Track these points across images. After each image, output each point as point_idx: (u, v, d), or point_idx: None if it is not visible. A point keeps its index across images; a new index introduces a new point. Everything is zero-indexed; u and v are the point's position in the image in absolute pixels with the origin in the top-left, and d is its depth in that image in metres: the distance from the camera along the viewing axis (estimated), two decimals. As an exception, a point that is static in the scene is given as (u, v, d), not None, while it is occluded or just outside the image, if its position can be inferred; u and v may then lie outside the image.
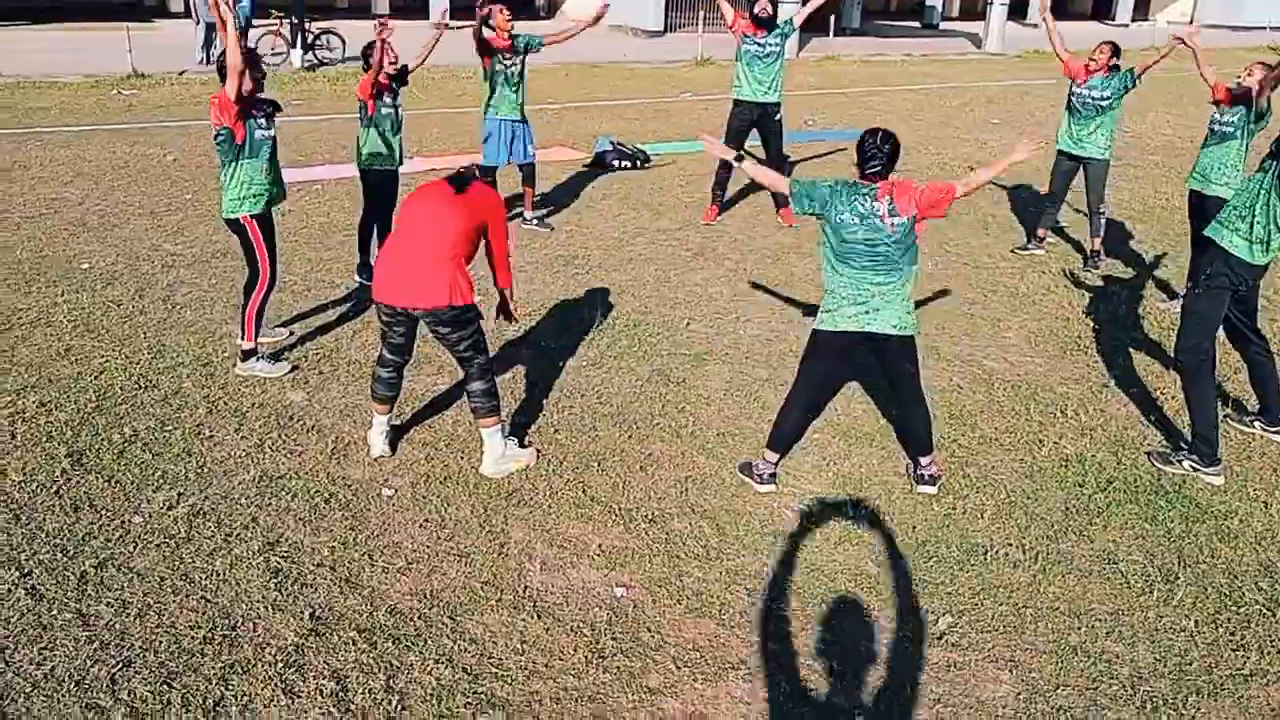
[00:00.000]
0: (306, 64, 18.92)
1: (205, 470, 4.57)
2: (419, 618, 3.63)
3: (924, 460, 4.72)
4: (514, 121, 8.43)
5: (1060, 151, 8.12)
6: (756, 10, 8.73)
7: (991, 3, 28.99)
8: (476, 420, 4.67)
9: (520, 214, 8.84)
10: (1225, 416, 5.49)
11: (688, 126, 14.24)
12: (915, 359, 4.59)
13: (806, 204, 4.41)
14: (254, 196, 5.50)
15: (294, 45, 18.68)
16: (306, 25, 18.99)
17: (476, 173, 4.68)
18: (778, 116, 9.07)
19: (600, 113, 15.41)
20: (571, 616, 3.71)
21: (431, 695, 3.27)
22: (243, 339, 5.61)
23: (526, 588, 3.85)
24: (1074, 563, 4.20)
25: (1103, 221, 8.17)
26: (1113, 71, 7.77)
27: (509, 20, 8.20)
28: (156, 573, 3.80)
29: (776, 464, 4.70)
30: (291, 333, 6.21)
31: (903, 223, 4.32)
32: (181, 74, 17.61)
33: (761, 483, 4.65)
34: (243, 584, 3.77)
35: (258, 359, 5.61)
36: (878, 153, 4.32)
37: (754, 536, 4.27)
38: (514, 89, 8.32)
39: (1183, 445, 5.06)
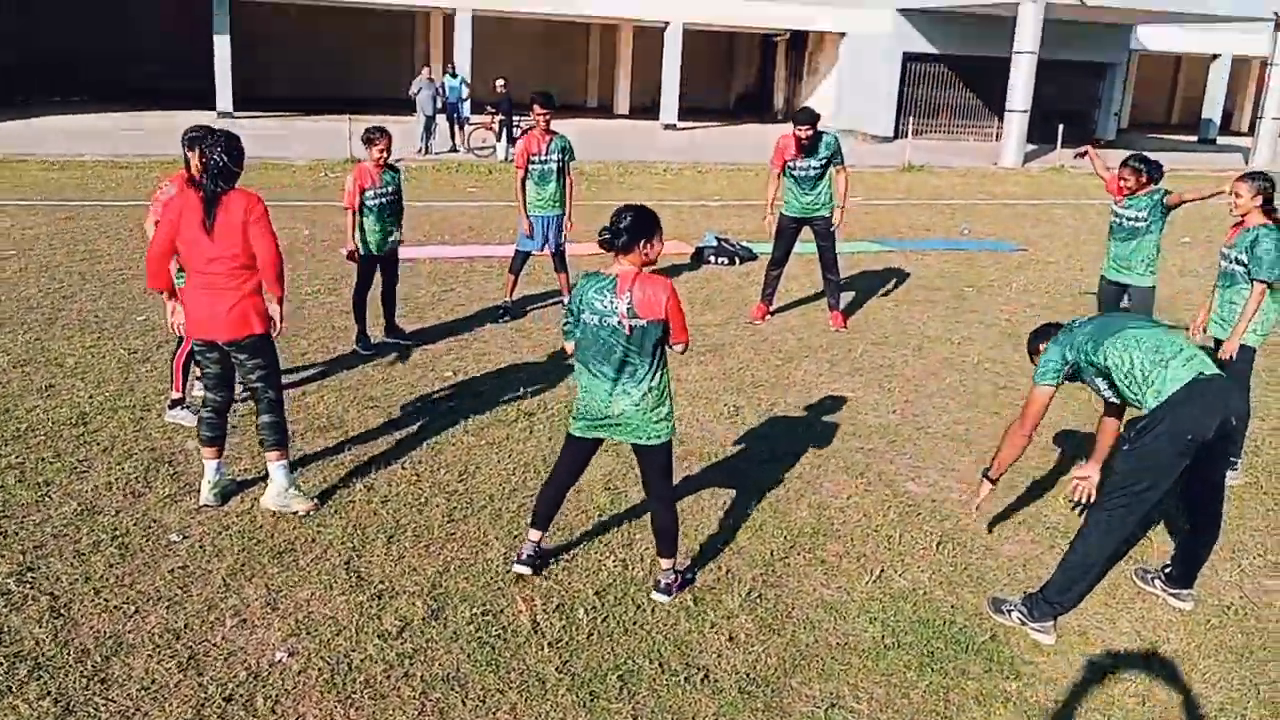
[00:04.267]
0: (512, 157, 20.19)
1: (44, 497, 4.99)
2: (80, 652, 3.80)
3: (664, 564, 4.41)
4: (545, 217, 8.68)
5: (1103, 278, 7.39)
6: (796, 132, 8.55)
7: (1262, 116, 26.61)
8: (264, 452, 4.85)
9: (561, 300, 9.06)
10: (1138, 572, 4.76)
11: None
12: (668, 460, 4.32)
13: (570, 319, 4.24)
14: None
15: (500, 139, 20.02)
16: (515, 121, 20.32)
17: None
18: (830, 228, 8.84)
19: (756, 211, 15.43)
20: (216, 672, 3.75)
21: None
22: (171, 388, 6.09)
23: (199, 642, 3.93)
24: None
25: None
26: (1146, 191, 7.06)
27: (545, 115, 8.46)
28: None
29: (537, 543, 4.54)
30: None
31: (641, 325, 4.04)
32: (399, 161, 19.32)
33: (519, 562, 4.50)
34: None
35: (183, 408, 6.06)
36: (612, 225, 4.07)
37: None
38: (544, 186, 8.56)
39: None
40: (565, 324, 4.27)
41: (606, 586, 4.48)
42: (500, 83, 20.23)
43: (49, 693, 3.59)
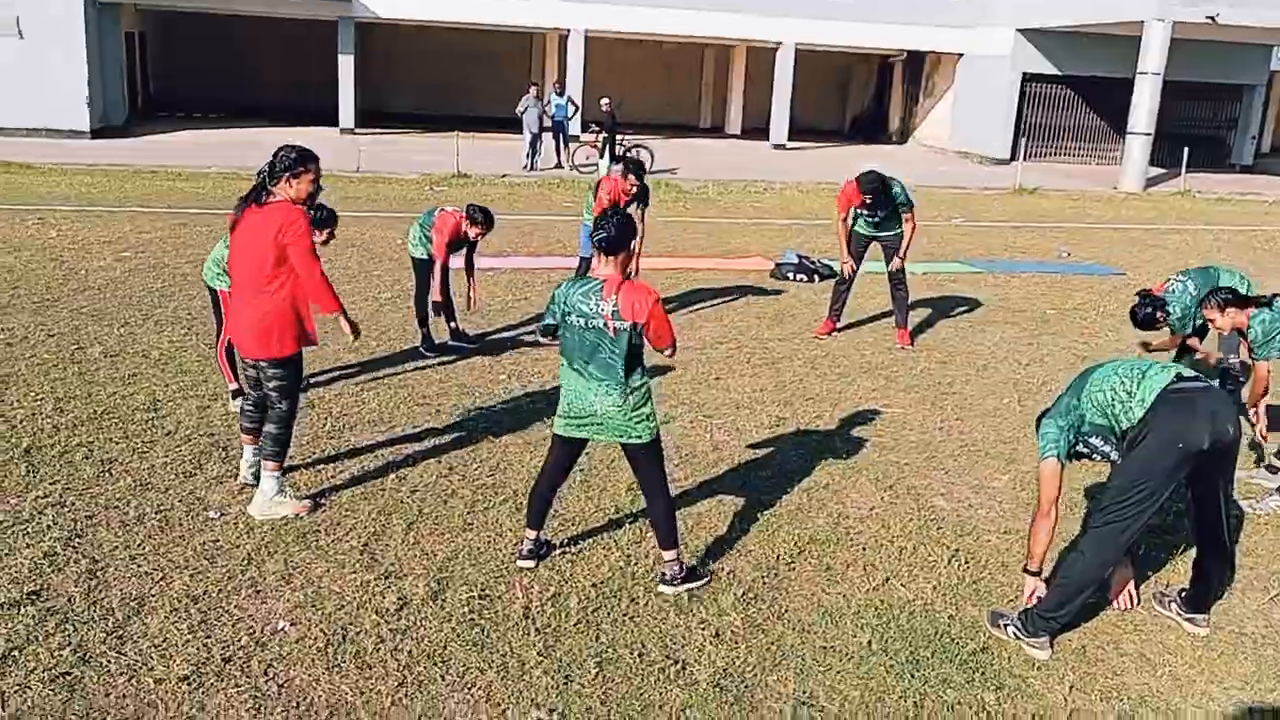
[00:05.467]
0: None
1: (105, 473, 5.40)
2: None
3: (666, 556, 4.50)
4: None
5: None
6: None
7: None
8: (260, 458, 5.12)
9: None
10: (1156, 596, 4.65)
11: (925, 248, 13.89)
12: (656, 457, 4.42)
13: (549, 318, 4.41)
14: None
15: (603, 156, 20.39)
16: (619, 139, 20.67)
17: None
18: (897, 247, 8.79)
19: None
20: (222, 634, 4.02)
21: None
22: (226, 380, 6.49)
23: (213, 607, 4.21)
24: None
25: None
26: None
27: (633, 185, 8.60)
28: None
29: (535, 539, 4.69)
30: (308, 379, 7.02)
31: (624, 328, 4.18)
32: (504, 176, 19.92)
33: (521, 558, 4.67)
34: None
35: (242, 397, 6.43)
36: (607, 224, 4.26)
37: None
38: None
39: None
40: (545, 324, 4.42)
41: (605, 579, 4.61)
42: (605, 102, 20.62)
43: (70, 643, 3.91)
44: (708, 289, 10.68)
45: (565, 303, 4.26)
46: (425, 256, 7.75)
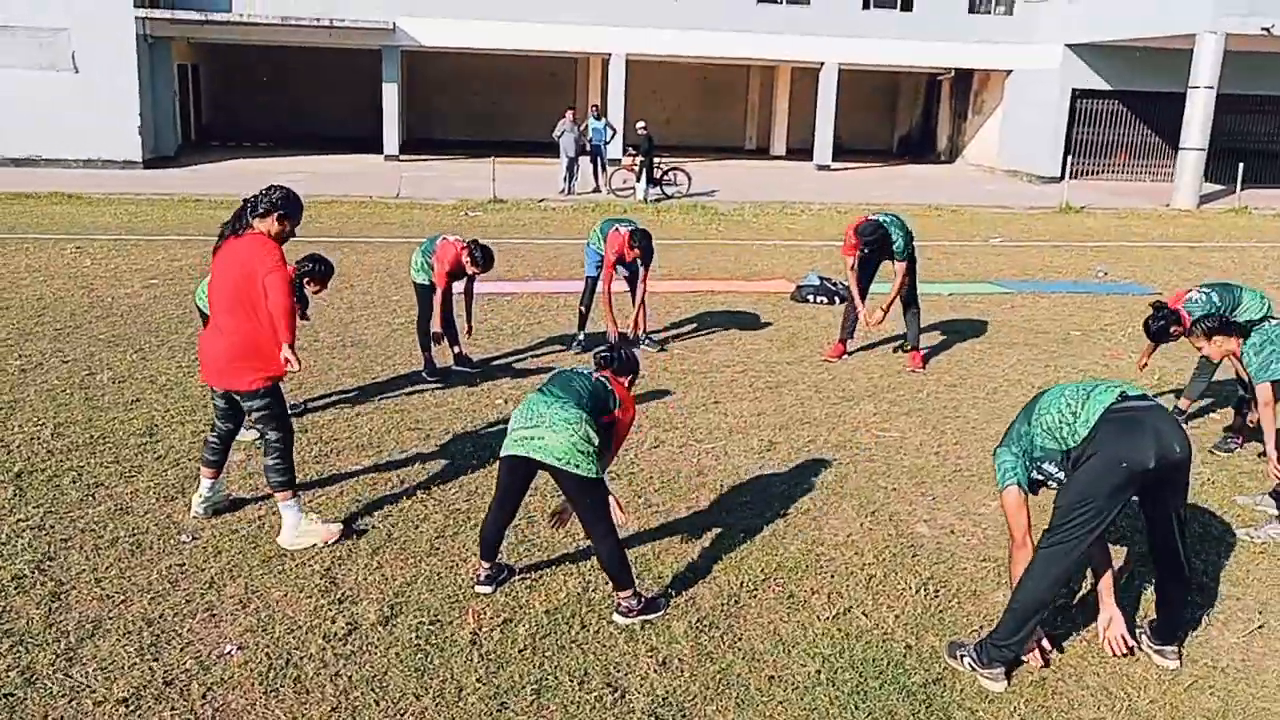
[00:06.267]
0: (653, 198, 20.63)
1: (89, 496, 5.52)
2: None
3: (621, 595, 4.47)
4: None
5: None
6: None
7: None
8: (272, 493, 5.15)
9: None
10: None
11: (956, 268, 13.77)
12: (599, 500, 4.40)
13: None
14: None
15: (639, 179, 20.48)
16: (655, 163, 20.74)
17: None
18: (907, 265, 8.71)
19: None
20: (169, 658, 4.07)
21: None
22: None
23: (166, 631, 4.27)
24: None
25: None
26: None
27: (636, 255, 8.62)
28: None
29: (490, 567, 4.69)
30: (304, 405, 7.12)
31: (608, 388, 4.38)
32: (541, 201, 20.09)
33: (479, 583, 4.67)
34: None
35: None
36: (616, 354, 4.71)
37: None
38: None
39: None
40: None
41: (560, 606, 4.58)
42: (640, 125, 20.70)
43: (19, 665, 3.98)
44: (724, 312, 10.65)
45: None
46: (426, 283, 7.83)
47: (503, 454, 4.48)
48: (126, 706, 3.77)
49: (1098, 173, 27.57)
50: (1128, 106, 27.56)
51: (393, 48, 24.96)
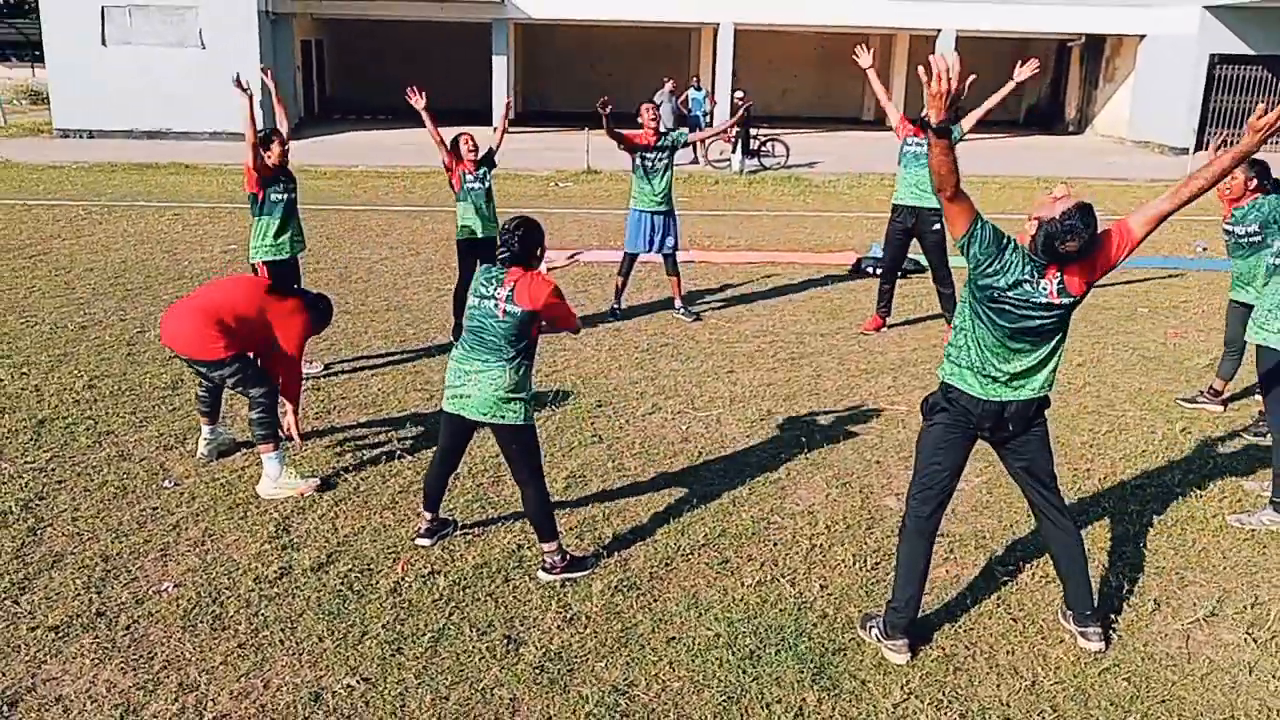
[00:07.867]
0: (750, 169, 20.45)
1: (96, 444, 5.92)
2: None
3: (546, 547, 4.55)
4: (653, 213, 8.90)
5: (1232, 300, 6.72)
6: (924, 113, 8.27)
7: None
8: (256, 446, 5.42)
9: (672, 302, 9.25)
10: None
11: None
12: (526, 446, 4.47)
13: None
14: (268, 247, 6.86)
15: (735, 150, 20.33)
16: (752, 134, 20.54)
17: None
18: (936, 225, 8.45)
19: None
20: (110, 592, 4.37)
21: None
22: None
23: (118, 568, 4.57)
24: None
25: None
26: (1257, 198, 6.30)
27: (654, 118, 8.73)
28: None
29: (431, 520, 4.83)
30: (326, 366, 7.43)
31: (514, 312, 4.33)
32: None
33: (419, 536, 4.83)
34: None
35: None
36: (509, 239, 4.39)
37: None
38: (652, 181, 8.80)
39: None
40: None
41: (489, 561, 4.71)
42: (739, 95, 20.50)
43: (-24, 593, 4.35)
44: (777, 283, 10.55)
45: (473, 287, 4.45)
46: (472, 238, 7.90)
47: (443, 408, 4.60)
48: (55, 634, 4.07)
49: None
50: (1273, 73, 25.77)
51: (502, 20, 25.35)
